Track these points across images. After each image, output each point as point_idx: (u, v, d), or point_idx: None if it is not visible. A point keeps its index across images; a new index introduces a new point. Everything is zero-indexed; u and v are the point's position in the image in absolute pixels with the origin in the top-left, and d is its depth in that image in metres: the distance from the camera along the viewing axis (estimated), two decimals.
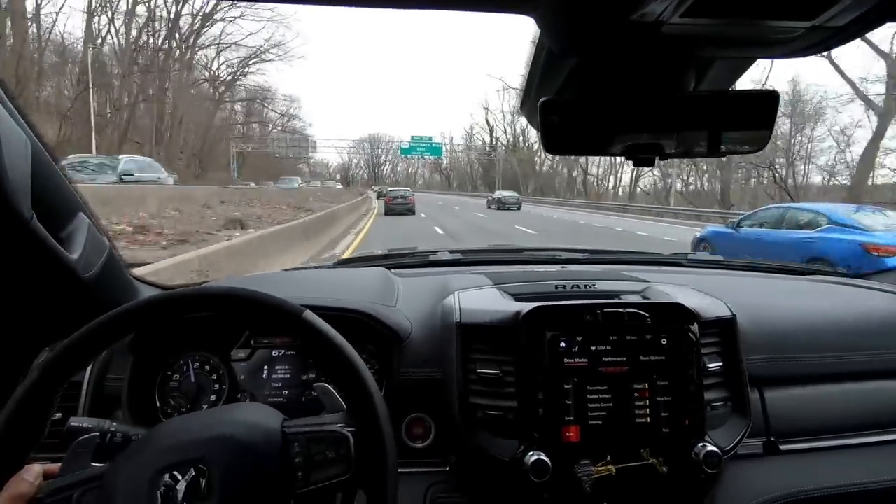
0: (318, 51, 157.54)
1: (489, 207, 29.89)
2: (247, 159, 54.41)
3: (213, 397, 1.00)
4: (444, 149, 61.35)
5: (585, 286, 1.10)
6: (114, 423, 0.68)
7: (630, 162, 0.69)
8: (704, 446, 0.86)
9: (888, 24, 0.50)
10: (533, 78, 0.67)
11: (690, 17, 0.47)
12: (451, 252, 1.58)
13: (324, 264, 1.62)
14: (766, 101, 0.62)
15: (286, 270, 1.53)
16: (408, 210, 22.61)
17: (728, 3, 0.46)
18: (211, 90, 46.77)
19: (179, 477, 0.58)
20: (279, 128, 60.46)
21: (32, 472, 0.59)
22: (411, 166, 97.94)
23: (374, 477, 0.63)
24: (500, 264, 1.53)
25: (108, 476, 0.60)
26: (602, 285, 1.12)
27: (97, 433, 0.66)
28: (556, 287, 1.10)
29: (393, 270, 1.35)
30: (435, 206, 30.48)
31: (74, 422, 0.67)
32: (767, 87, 0.65)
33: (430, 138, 55.69)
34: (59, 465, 0.62)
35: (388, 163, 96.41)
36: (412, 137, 54.79)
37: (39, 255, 0.80)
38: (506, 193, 31.73)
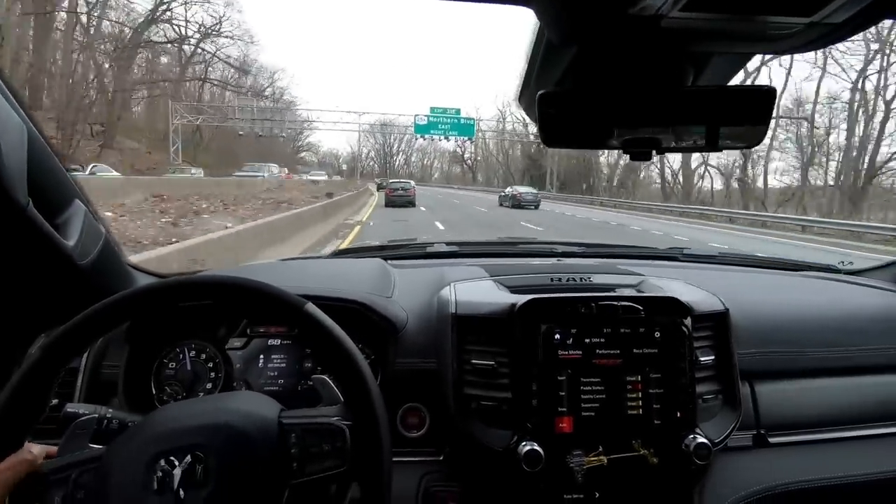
0: (312, 16, 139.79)
1: (501, 205, 25.90)
2: (208, 138, 39.46)
3: (208, 385, 1.01)
4: (476, 127, 44.21)
5: (581, 279, 1.11)
6: (110, 410, 0.69)
7: (627, 156, 0.70)
8: (695, 438, 0.87)
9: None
10: (532, 68, 0.67)
11: (689, 12, 0.47)
12: (448, 244, 1.59)
13: (321, 255, 1.63)
14: (763, 97, 0.62)
15: (283, 260, 1.53)
16: (408, 202, 22.04)
17: None
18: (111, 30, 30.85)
19: (176, 462, 0.59)
20: (233, 84, 41.77)
21: (35, 448, 0.60)
22: (427, 156, 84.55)
23: (368, 471, 0.64)
24: (496, 256, 1.53)
25: (105, 458, 0.60)
26: (597, 278, 1.12)
27: (95, 415, 0.66)
28: (552, 280, 1.11)
29: (390, 262, 1.35)
30: (479, 217, 17.94)
31: (71, 408, 0.68)
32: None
33: (458, 111, 40.94)
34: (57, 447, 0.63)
35: (400, 153, 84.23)
36: (431, 109, 40.52)
37: (36, 242, 0.80)
38: (522, 189, 27.43)
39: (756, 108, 0.63)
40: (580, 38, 0.55)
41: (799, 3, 0.46)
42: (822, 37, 0.52)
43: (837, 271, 1.49)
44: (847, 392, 1.07)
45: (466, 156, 75.02)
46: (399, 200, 21.95)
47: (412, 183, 24.95)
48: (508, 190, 28.41)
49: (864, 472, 1.00)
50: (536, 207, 25.08)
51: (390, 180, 29.45)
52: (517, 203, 24.93)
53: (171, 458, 0.59)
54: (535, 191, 28.03)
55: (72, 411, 0.67)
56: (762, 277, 1.42)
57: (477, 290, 1.05)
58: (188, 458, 0.59)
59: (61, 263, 0.85)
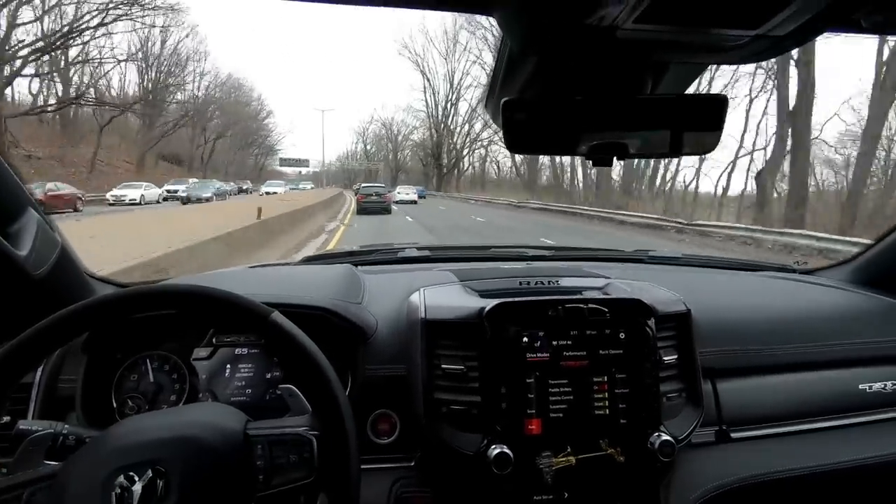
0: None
1: None
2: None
3: (172, 397, 0.98)
4: None
5: (549, 282, 1.12)
6: (66, 426, 0.66)
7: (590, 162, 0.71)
8: (659, 436, 0.89)
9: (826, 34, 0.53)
10: (497, 75, 0.68)
11: (643, 24, 0.49)
12: (419, 249, 1.59)
13: (290, 261, 1.60)
14: (716, 105, 0.65)
15: (251, 267, 1.50)
16: (383, 209, 20.09)
17: (678, 12, 0.48)
18: None
19: (136, 478, 0.57)
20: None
21: None
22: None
23: (336, 481, 0.63)
24: (467, 261, 1.54)
25: (60, 476, 0.58)
26: (565, 281, 1.14)
27: (51, 430, 0.64)
28: (521, 283, 1.12)
29: (360, 267, 1.34)
30: None
31: (23, 425, 0.65)
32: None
33: None
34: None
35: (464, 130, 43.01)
36: None
37: None
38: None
39: (710, 115, 0.65)
40: (539, 46, 0.56)
41: (744, 16, 0.49)
42: (768, 48, 0.54)
43: (793, 271, 1.55)
44: (804, 387, 1.12)
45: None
46: (372, 207, 19.99)
47: (387, 188, 23.46)
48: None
49: (822, 462, 1.04)
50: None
51: (363, 185, 26.98)
52: None
53: (131, 473, 0.57)
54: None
55: (24, 428, 0.65)
56: (722, 278, 1.46)
57: (446, 294, 1.06)
58: (148, 473, 0.57)
59: (13, 274, 0.81)
